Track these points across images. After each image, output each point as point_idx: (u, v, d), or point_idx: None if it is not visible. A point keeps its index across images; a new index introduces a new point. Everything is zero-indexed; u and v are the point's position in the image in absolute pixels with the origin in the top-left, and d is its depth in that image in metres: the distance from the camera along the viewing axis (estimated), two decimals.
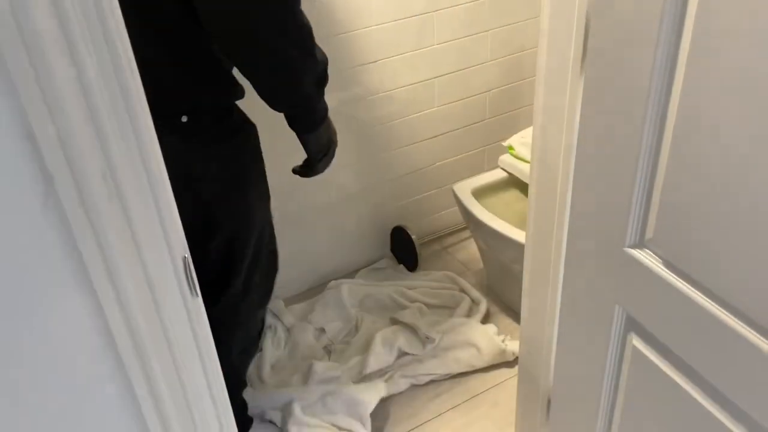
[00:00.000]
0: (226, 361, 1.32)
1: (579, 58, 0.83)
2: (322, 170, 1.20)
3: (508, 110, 2.18)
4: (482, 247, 1.96)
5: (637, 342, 0.86)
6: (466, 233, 2.29)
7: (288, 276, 1.89)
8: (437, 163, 2.19)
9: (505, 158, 1.91)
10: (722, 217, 0.67)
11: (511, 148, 1.89)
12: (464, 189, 1.89)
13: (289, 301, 2.00)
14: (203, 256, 1.23)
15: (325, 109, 1.12)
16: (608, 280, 0.87)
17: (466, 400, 1.68)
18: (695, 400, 0.77)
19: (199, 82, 1.07)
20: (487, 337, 1.75)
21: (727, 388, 0.72)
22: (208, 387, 0.72)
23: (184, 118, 1.05)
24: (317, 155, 1.16)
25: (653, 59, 0.69)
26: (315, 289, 2.04)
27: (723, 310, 0.70)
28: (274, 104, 1.06)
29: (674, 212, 0.74)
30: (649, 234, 0.79)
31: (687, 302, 0.74)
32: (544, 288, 1.08)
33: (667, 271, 0.77)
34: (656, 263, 0.78)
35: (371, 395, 1.60)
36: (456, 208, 2.11)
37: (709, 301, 0.72)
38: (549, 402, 1.16)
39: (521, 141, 1.88)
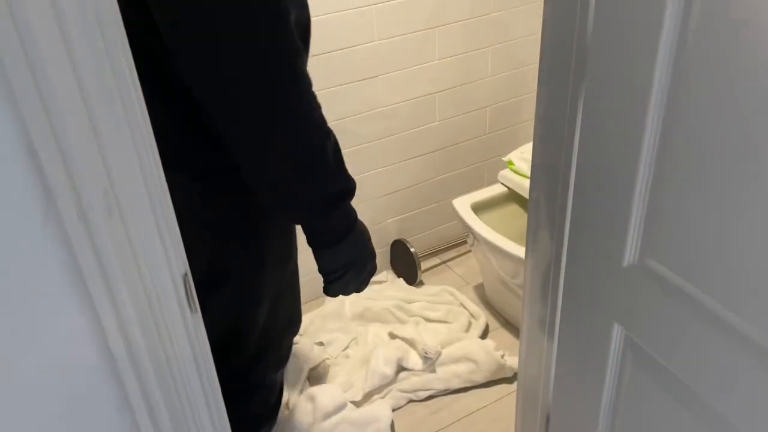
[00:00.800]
0: (243, 422, 1.24)
1: (579, 71, 0.84)
2: (335, 294, 1.00)
3: (508, 125, 2.19)
4: (482, 262, 1.96)
5: (636, 361, 0.86)
6: (466, 247, 2.29)
7: None
8: (437, 177, 2.19)
9: (505, 173, 1.91)
10: (726, 237, 0.67)
11: (510, 163, 1.89)
12: (464, 203, 1.89)
13: None
14: (208, 310, 1.17)
15: (347, 227, 0.92)
16: (607, 297, 0.87)
17: (465, 416, 1.67)
18: (695, 422, 0.77)
19: (207, 140, 0.94)
20: (485, 353, 1.75)
21: (728, 411, 0.72)
22: (207, 405, 0.72)
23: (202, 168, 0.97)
24: (329, 276, 0.97)
25: (654, 73, 0.69)
26: (315, 302, 2.04)
27: (724, 331, 0.70)
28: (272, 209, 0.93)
29: (675, 230, 0.74)
30: (648, 251, 0.79)
31: (686, 322, 0.74)
32: (543, 304, 1.08)
33: (667, 289, 0.77)
34: (655, 281, 0.78)
35: (383, 412, 1.59)
36: (456, 222, 2.12)
37: (710, 321, 0.72)
38: (548, 418, 1.16)
39: (521, 156, 1.89)
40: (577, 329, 0.97)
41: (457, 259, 2.27)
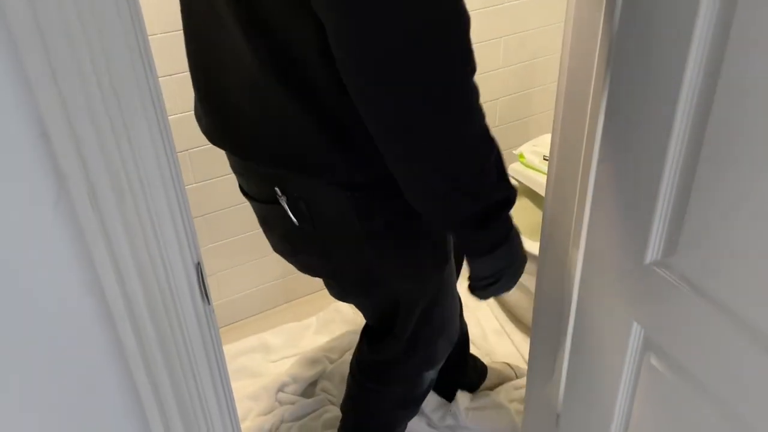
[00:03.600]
0: (377, 409, 1.33)
1: (603, 64, 0.82)
2: (484, 298, 0.98)
3: (519, 118, 2.16)
4: None
5: (654, 361, 0.84)
6: None
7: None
8: None
9: (516, 167, 1.89)
10: (751, 236, 0.65)
11: (521, 156, 1.87)
12: None
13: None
14: (363, 305, 1.19)
15: (504, 235, 0.88)
16: (626, 296, 0.85)
17: (473, 410, 1.65)
18: (715, 424, 0.75)
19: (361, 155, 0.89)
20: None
21: (750, 413, 0.70)
22: (216, 396, 0.70)
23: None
24: (480, 282, 0.94)
25: (686, 66, 0.67)
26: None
27: (748, 332, 0.68)
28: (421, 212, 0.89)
29: (700, 229, 0.71)
30: (672, 250, 0.76)
31: (709, 323, 0.72)
32: (556, 302, 1.06)
33: (690, 288, 0.75)
34: (678, 281, 0.76)
35: None
36: None
37: (733, 321, 0.70)
38: (558, 418, 1.14)
39: (532, 149, 1.87)
40: (592, 328, 0.96)
41: None
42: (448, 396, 1.65)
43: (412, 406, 1.37)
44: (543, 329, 1.13)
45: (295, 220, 0.97)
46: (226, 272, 1.92)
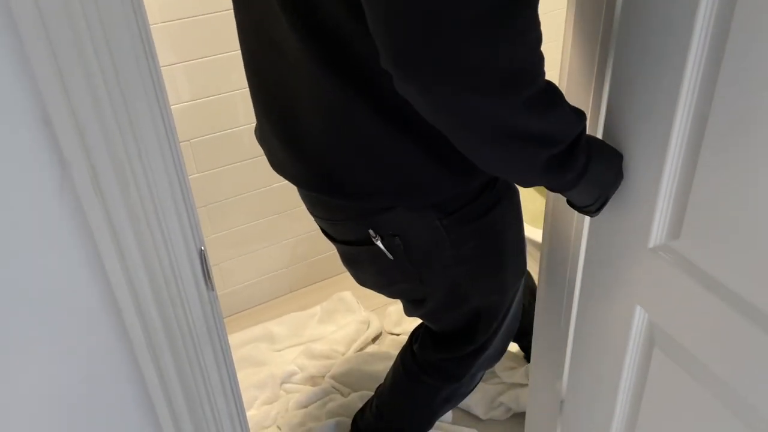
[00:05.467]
0: (428, 403, 1.33)
1: (606, 45, 0.81)
2: (598, 214, 0.90)
3: None
4: None
5: (658, 345, 0.84)
6: None
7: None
8: None
9: None
10: (756, 220, 0.65)
11: None
12: None
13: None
14: (443, 319, 1.18)
15: (579, 172, 0.78)
16: (630, 280, 0.85)
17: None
18: (719, 407, 0.76)
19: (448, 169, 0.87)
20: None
21: (753, 396, 0.70)
22: (221, 380, 0.70)
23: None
24: (585, 209, 0.88)
25: (688, 52, 0.67)
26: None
27: (751, 316, 0.68)
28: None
29: (703, 213, 0.71)
30: (676, 234, 0.76)
31: (712, 306, 0.72)
32: (560, 287, 1.06)
33: (694, 272, 0.75)
34: (682, 265, 0.76)
35: None
36: None
37: (737, 305, 0.70)
38: (562, 404, 1.15)
39: None
40: (596, 312, 0.96)
41: None
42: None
43: (456, 401, 1.38)
44: (547, 313, 1.13)
45: (390, 256, 0.98)
46: (230, 262, 1.92)
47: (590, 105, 0.87)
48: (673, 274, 0.77)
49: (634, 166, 0.79)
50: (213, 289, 0.65)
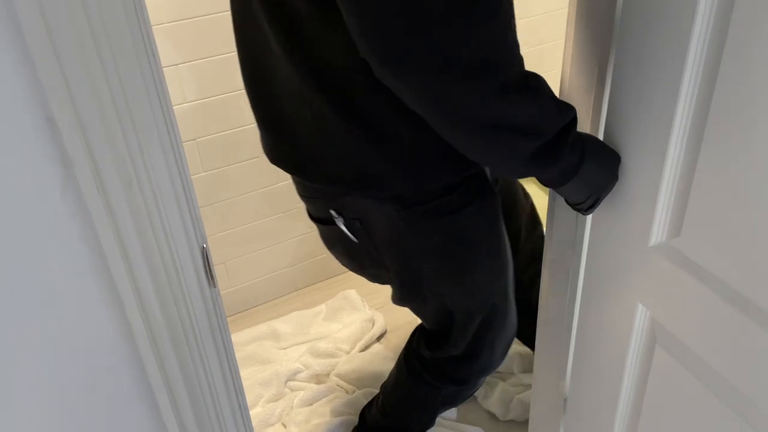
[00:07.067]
0: (429, 402, 1.34)
1: (607, 44, 0.81)
2: (590, 213, 0.91)
3: None
4: None
5: (660, 343, 0.84)
6: None
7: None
8: None
9: None
10: (757, 219, 0.65)
11: None
12: None
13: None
14: (420, 312, 1.20)
15: (571, 164, 0.79)
16: (631, 278, 0.85)
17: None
18: (720, 404, 0.76)
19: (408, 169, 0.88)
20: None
21: (754, 393, 0.70)
22: (224, 378, 0.71)
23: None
24: (579, 206, 0.88)
25: (689, 46, 0.67)
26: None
27: (752, 314, 0.68)
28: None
29: (704, 211, 0.71)
30: (677, 232, 0.77)
31: (713, 304, 0.72)
32: (562, 284, 1.07)
33: (695, 271, 0.75)
34: (683, 263, 0.76)
35: None
36: None
37: (737, 303, 0.70)
38: (565, 401, 1.15)
39: None
40: (598, 310, 0.96)
41: None
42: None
43: (457, 403, 1.39)
44: (550, 312, 1.13)
45: (354, 238, 1.01)
46: (235, 261, 1.93)
47: (592, 104, 0.87)
48: (674, 272, 0.77)
49: (635, 164, 0.79)
50: (215, 286, 0.66)
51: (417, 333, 1.31)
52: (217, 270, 1.89)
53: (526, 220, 1.39)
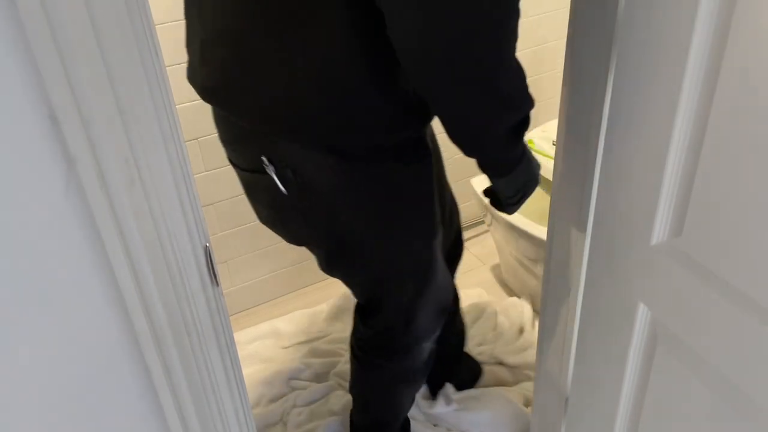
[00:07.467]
0: (380, 384, 1.34)
1: (609, 43, 0.81)
2: (513, 212, 1.05)
3: None
4: (499, 242, 1.94)
5: (661, 342, 0.84)
6: (482, 227, 2.27)
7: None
8: (455, 156, 2.16)
9: None
10: (759, 217, 0.65)
11: (531, 142, 1.86)
12: (482, 183, 1.87)
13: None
14: (351, 280, 1.18)
15: (522, 152, 0.93)
16: (633, 277, 0.85)
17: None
18: (722, 403, 0.76)
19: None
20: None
21: (756, 393, 0.70)
22: (227, 377, 0.71)
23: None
24: (509, 200, 1.00)
25: (690, 44, 0.67)
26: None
27: (754, 313, 0.68)
28: (455, 143, 0.89)
29: (705, 210, 0.71)
30: (678, 231, 0.77)
31: (715, 303, 0.72)
32: (564, 284, 1.07)
33: (696, 269, 0.75)
34: (684, 261, 0.76)
35: None
36: (473, 201, 2.10)
37: (739, 302, 0.70)
38: (567, 401, 1.15)
39: (542, 135, 1.86)
40: (600, 309, 0.96)
41: (474, 239, 2.26)
42: (434, 389, 1.65)
43: (415, 379, 1.36)
44: (551, 312, 1.13)
45: (283, 189, 0.96)
46: (237, 260, 1.93)
47: (594, 103, 0.87)
48: (675, 271, 0.77)
49: (637, 162, 0.79)
50: (218, 285, 0.66)
51: (354, 320, 1.30)
52: (220, 269, 1.90)
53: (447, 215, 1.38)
